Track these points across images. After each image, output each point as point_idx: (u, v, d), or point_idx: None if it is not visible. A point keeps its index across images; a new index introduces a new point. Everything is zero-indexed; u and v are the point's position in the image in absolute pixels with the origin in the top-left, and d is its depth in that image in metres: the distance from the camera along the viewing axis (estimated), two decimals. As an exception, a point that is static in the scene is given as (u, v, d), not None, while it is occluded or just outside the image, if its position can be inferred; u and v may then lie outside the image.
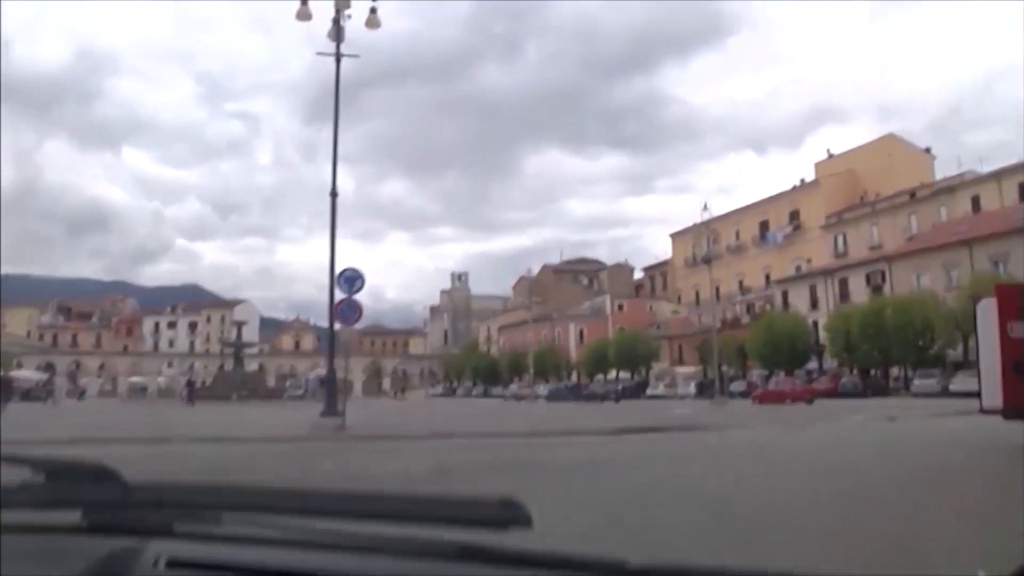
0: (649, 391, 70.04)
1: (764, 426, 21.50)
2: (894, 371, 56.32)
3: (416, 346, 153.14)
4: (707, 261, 53.42)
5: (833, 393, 49.90)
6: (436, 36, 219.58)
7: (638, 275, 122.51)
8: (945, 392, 43.59)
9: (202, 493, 1.40)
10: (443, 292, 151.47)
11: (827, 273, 71.11)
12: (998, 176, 71.15)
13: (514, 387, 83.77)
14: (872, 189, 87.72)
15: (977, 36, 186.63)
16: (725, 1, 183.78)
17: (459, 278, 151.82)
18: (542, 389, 74.60)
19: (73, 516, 1.30)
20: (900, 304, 52.19)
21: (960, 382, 43.99)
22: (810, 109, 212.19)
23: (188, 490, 1.39)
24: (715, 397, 45.00)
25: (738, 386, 59.72)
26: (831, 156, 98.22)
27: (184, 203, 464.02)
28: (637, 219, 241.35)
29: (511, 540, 1.08)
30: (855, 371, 56.67)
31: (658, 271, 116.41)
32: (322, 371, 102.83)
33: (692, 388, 63.96)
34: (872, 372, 56.71)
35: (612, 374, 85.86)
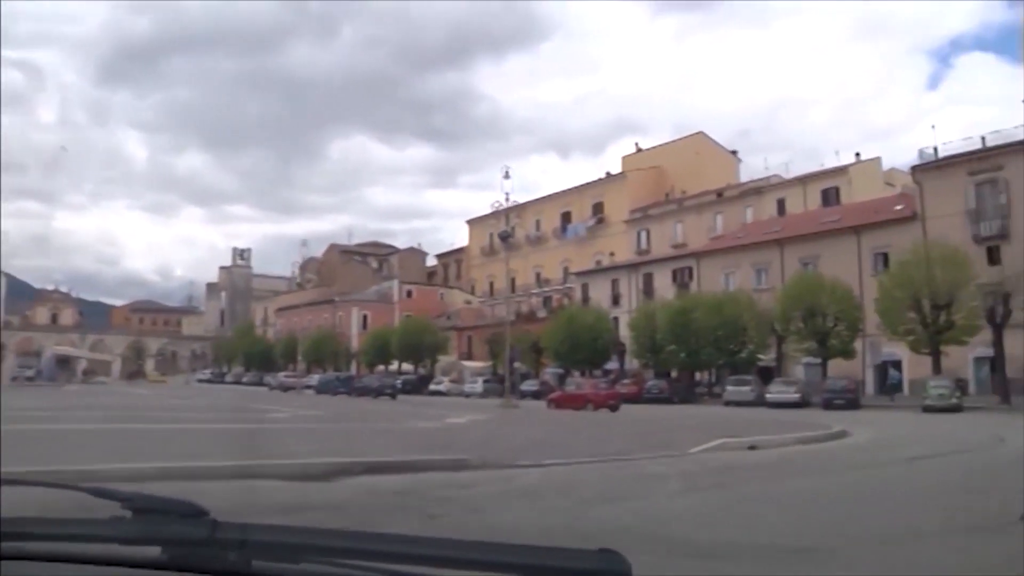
0: (432, 386, 62.13)
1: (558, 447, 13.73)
2: (701, 376, 51.27)
3: (192, 326, 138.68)
4: (504, 238, 45.80)
5: (638, 397, 43.86)
6: (249, 7, 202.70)
7: (432, 262, 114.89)
8: (761, 401, 38.15)
9: (286, 534, 1.41)
10: (222, 269, 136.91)
11: (631, 267, 65.77)
12: (803, 181, 70.04)
13: (282, 375, 73.29)
14: (679, 187, 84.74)
15: (771, 64, 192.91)
16: (542, 2, 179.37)
17: (241, 255, 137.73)
18: (313, 379, 65.11)
19: (155, 551, 1.32)
20: (710, 303, 46.84)
21: (778, 391, 38.78)
22: (614, 119, 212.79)
23: (272, 531, 1.41)
24: (504, 397, 37.52)
25: (530, 385, 53.13)
26: (639, 151, 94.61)
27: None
28: (439, 212, 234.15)
29: None
30: (660, 374, 51.05)
31: (453, 259, 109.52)
32: (62, 349, 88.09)
33: (479, 385, 56.63)
34: (673, 375, 51.28)
35: (395, 365, 77.48)
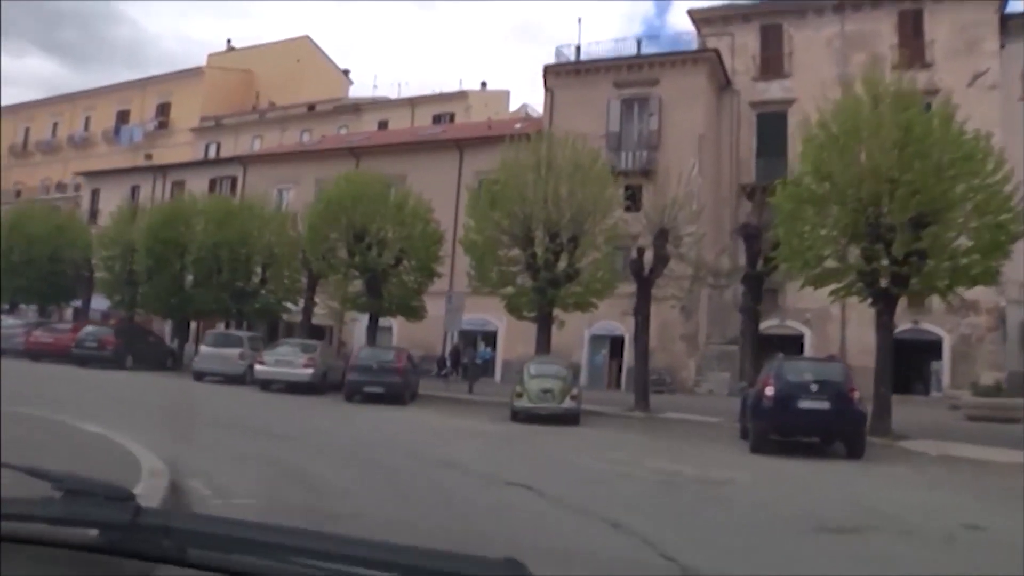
0: None
1: None
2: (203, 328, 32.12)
3: None
4: None
5: (66, 353, 25.40)
6: None
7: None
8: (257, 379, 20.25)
9: (211, 524, 1.40)
10: None
11: (158, 170, 45.09)
12: (414, 102, 54.66)
13: None
14: (271, 96, 65.46)
15: None
16: None
17: None
18: None
19: (91, 533, 1.28)
20: (216, 213, 27.91)
21: (285, 357, 21.40)
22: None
23: (197, 520, 1.45)
24: None
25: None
26: (231, 49, 73.31)
27: None
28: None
29: None
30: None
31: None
32: None
33: None
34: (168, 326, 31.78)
35: None
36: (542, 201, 21.24)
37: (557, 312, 22.13)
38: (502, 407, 18.87)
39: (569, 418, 17.47)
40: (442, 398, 22.68)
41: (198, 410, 15.78)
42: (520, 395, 17.61)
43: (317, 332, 31.73)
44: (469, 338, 32.37)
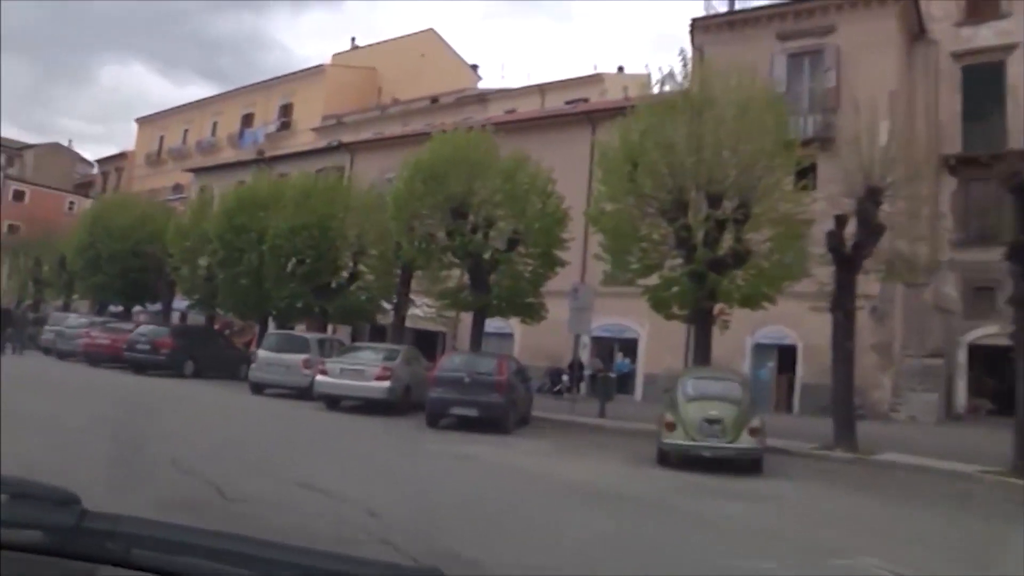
0: None
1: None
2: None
3: None
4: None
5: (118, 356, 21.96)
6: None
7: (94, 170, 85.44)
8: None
9: (157, 528, 1.37)
10: None
11: (265, 162, 41.44)
12: (543, 89, 49.58)
13: None
14: (394, 93, 61.97)
15: None
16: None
17: None
18: None
19: (36, 535, 1.28)
20: (295, 193, 23.00)
21: (353, 365, 16.21)
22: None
23: (143, 524, 1.38)
24: None
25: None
26: (355, 47, 70.33)
27: None
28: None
29: None
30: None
31: (114, 165, 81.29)
32: None
33: None
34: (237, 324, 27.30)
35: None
36: (696, 155, 15.11)
37: (719, 308, 15.97)
38: (644, 440, 12.93)
39: (748, 464, 11.34)
40: (562, 423, 16.88)
41: (211, 432, 10.71)
42: (672, 426, 11.56)
43: (426, 339, 26.67)
44: (604, 347, 26.51)
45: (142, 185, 72.92)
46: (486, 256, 18.94)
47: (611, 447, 13.59)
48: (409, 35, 67.69)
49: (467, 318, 22.58)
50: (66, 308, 33.58)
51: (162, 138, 72.75)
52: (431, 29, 67.40)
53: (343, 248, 22.59)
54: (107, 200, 33.06)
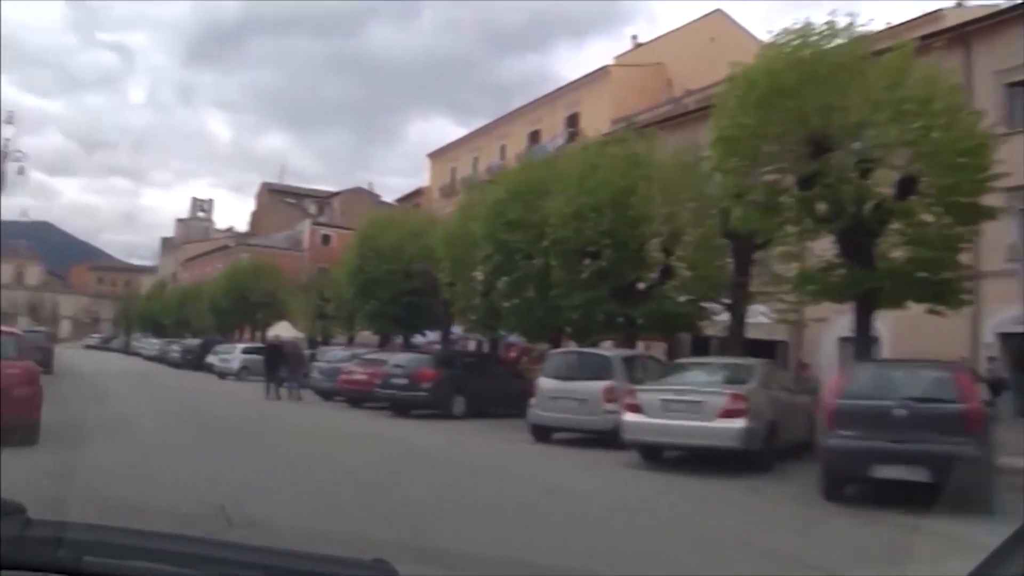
0: (209, 358, 34.48)
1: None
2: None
3: (149, 285, 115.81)
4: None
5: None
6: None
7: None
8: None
9: (106, 533, 1.35)
10: (179, 221, 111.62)
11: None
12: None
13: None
14: (686, 85, 55.83)
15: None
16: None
17: (201, 206, 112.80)
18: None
19: None
20: (614, 177, 17.23)
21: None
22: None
23: (92, 530, 1.35)
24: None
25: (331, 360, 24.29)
26: (637, 46, 64.87)
27: (44, 135, 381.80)
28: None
29: None
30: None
31: (412, 202, 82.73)
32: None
33: (235, 360, 28.84)
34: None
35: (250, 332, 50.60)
36: None
37: None
38: None
39: None
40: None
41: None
42: None
43: (759, 352, 19.85)
44: (1016, 347, 18.07)
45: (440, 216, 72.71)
46: (869, 209, 11.93)
47: None
48: (694, 21, 61.35)
49: (828, 314, 15.64)
50: (350, 342, 31.04)
51: (453, 169, 72.35)
52: (718, 10, 60.46)
53: (648, 233, 16.55)
54: (375, 218, 29.86)
